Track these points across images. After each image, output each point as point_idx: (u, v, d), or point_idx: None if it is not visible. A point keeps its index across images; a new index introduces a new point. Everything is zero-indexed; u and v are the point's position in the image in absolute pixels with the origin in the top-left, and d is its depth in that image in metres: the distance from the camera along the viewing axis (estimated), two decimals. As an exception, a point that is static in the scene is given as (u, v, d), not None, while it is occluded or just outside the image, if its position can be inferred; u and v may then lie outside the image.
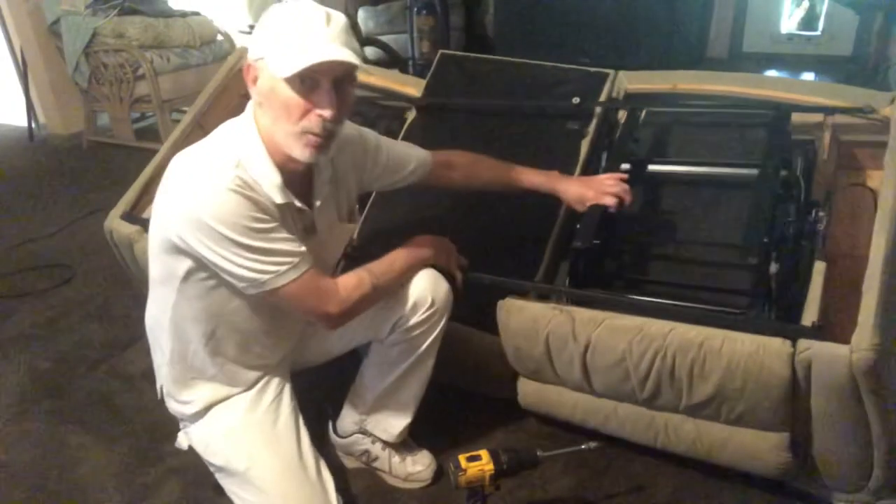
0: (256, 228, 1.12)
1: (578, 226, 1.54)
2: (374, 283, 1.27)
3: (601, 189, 1.47)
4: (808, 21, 4.94)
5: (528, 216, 1.73)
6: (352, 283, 1.26)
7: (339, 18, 1.11)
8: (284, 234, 1.16)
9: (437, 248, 1.43)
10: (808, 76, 4.68)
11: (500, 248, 1.70)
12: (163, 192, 1.17)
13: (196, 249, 1.14)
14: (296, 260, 1.17)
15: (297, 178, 1.24)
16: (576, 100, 1.78)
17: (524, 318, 1.47)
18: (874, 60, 3.85)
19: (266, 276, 1.15)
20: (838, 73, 4.51)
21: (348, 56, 1.09)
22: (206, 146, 1.19)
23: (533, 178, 1.56)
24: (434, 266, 1.42)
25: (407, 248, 1.38)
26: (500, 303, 1.51)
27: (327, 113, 1.12)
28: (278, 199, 1.17)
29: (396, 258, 1.35)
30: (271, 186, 1.17)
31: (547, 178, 1.56)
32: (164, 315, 1.30)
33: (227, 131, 1.21)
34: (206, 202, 1.10)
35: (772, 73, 4.75)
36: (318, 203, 1.29)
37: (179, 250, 1.17)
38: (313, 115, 1.12)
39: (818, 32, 4.89)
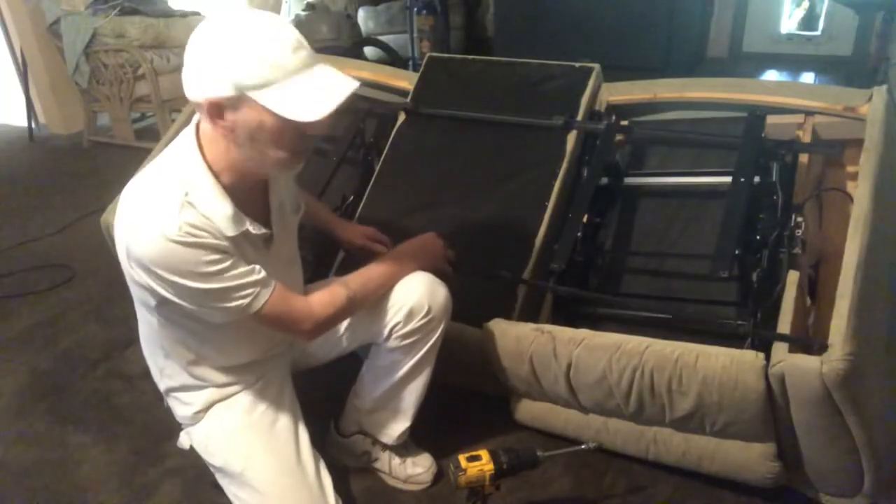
0: (209, 272, 1.10)
1: (555, 247, 1.57)
2: (349, 296, 1.28)
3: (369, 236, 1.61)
4: (808, 21, 4.95)
5: (520, 207, 1.76)
6: (325, 298, 1.26)
7: (298, 34, 1.07)
8: (241, 269, 1.13)
9: (421, 254, 1.42)
10: (808, 76, 4.68)
11: (492, 243, 1.73)
12: (117, 226, 1.13)
13: (157, 291, 1.14)
14: (256, 290, 1.15)
15: (251, 189, 1.21)
16: (558, 119, 1.80)
17: (508, 340, 1.48)
18: (874, 60, 3.84)
19: (232, 311, 1.15)
20: (838, 73, 4.51)
21: (355, 84, 1.08)
22: (153, 181, 1.13)
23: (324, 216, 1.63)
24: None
25: (388, 261, 1.37)
26: (485, 325, 1.52)
27: (323, 132, 1.12)
28: (230, 231, 1.13)
29: (375, 272, 1.34)
30: (223, 220, 1.12)
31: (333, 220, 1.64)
32: (152, 334, 1.31)
33: (172, 163, 1.15)
34: (154, 254, 1.07)
35: (771, 73, 4.75)
36: (275, 205, 1.27)
37: (144, 286, 1.16)
38: (306, 137, 1.11)
39: (818, 32, 4.89)
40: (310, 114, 1.03)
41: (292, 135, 1.08)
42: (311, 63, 1.06)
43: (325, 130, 1.12)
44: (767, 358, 1.23)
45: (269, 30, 1.03)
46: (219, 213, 1.12)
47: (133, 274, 1.14)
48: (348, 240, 1.60)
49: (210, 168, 1.13)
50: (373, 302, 1.35)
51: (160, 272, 1.09)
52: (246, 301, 1.15)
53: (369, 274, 1.33)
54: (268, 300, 1.17)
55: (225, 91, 1.03)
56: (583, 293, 1.60)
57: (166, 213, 1.07)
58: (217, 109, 1.05)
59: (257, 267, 1.17)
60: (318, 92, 1.05)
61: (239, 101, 1.04)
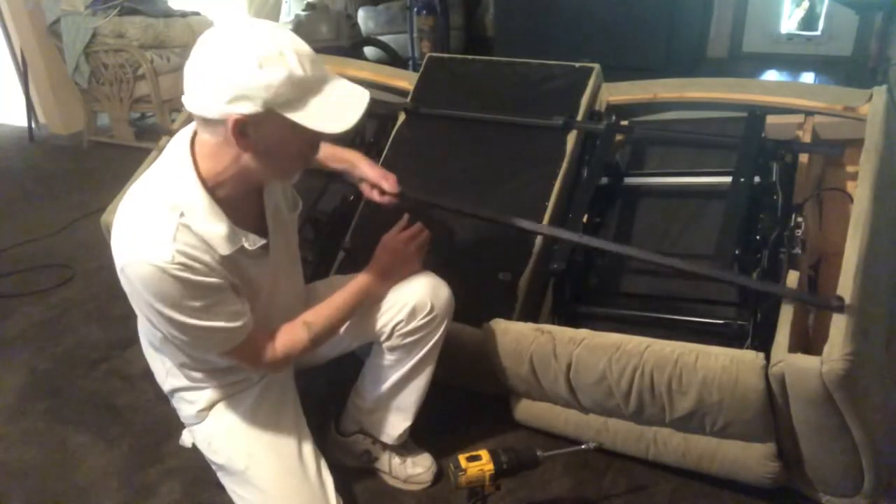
0: (196, 307, 1.10)
1: (555, 247, 1.57)
2: (312, 337, 1.27)
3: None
4: (808, 21, 4.94)
5: (520, 207, 1.74)
6: (285, 342, 1.26)
7: (303, 44, 1.06)
8: (224, 308, 1.14)
9: (394, 267, 1.38)
10: (808, 76, 4.68)
11: (492, 243, 1.72)
12: (113, 244, 1.13)
13: (142, 311, 1.15)
14: (228, 335, 1.17)
15: (245, 198, 1.20)
16: (558, 119, 1.80)
17: (508, 340, 1.48)
18: (874, 60, 3.85)
19: (199, 347, 1.20)
20: (838, 73, 4.51)
21: (367, 92, 1.10)
22: (147, 201, 1.12)
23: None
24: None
25: (358, 287, 1.34)
26: (485, 325, 1.52)
27: (330, 138, 1.12)
28: (225, 250, 1.13)
29: (342, 304, 1.32)
30: (218, 239, 1.12)
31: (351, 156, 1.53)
32: (155, 339, 1.31)
33: (166, 180, 1.13)
34: (146, 280, 1.07)
35: (771, 73, 4.75)
36: (270, 210, 1.26)
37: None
38: (316, 146, 1.15)
39: (818, 32, 4.89)
40: (339, 125, 1.05)
41: (308, 146, 1.12)
42: (327, 75, 1.07)
43: (334, 138, 1.14)
44: (767, 358, 1.23)
45: (287, 44, 1.02)
46: (214, 232, 1.12)
47: (127, 290, 1.15)
48: (365, 177, 1.50)
49: (204, 184, 1.11)
50: (338, 329, 1.35)
51: (149, 298, 1.09)
52: (216, 343, 1.18)
53: (335, 307, 1.31)
54: (235, 346, 1.19)
55: (251, 109, 1.01)
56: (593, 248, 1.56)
57: (161, 239, 1.07)
58: (242, 127, 1.04)
59: (243, 312, 1.18)
60: (341, 102, 1.06)
61: (264, 117, 1.03)
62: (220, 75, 1.01)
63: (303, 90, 1.03)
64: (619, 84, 1.94)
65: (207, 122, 1.07)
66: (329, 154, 1.49)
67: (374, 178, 1.45)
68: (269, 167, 1.12)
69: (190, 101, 1.06)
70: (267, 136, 1.06)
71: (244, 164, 1.10)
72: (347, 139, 2.02)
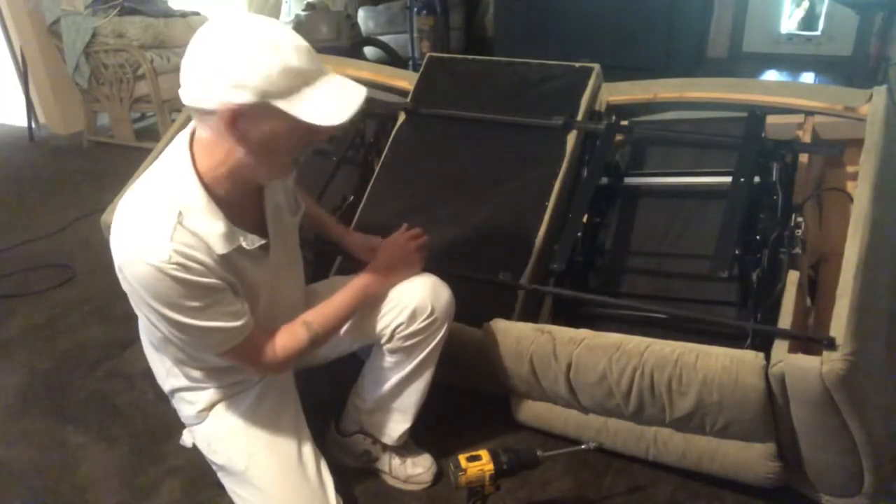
0: (194, 307, 1.10)
1: (555, 247, 1.57)
2: (311, 337, 1.26)
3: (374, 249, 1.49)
4: (808, 21, 4.95)
5: (520, 207, 1.76)
6: (285, 342, 1.25)
7: (301, 39, 1.06)
8: (223, 308, 1.14)
9: (393, 269, 1.39)
10: (808, 76, 4.69)
11: (492, 243, 1.73)
12: (112, 243, 1.12)
13: (140, 310, 1.15)
14: (226, 335, 1.16)
15: (244, 197, 1.19)
16: (558, 119, 1.80)
17: (508, 340, 1.48)
18: (874, 60, 3.85)
19: (199, 347, 1.19)
20: (838, 73, 4.51)
21: (364, 88, 1.08)
22: (146, 199, 1.12)
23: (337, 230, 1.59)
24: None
25: (357, 288, 1.34)
26: (485, 325, 1.52)
27: (324, 138, 1.12)
28: (222, 249, 1.12)
29: (342, 304, 1.31)
30: (215, 237, 1.11)
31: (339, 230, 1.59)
32: (155, 339, 1.31)
33: (165, 178, 1.13)
34: (144, 280, 1.07)
35: (771, 73, 4.75)
36: (270, 211, 1.26)
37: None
38: (309, 145, 1.12)
39: (818, 32, 4.89)
40: (333, 118, 1.03)
41: (301, 142, 1.09)
42: (323, 69, 1.06)
43: (325, 137, 1.12)
44: (767, 358, 1.23)
45: (284, 37, 1.02)
46: (211, 231, 1.11)
47: (126, 289, 1.15)
48: (353, 252, 1.58)
49: (202, 181, 1.11)
50: (339, 331, 1.35)
51: (147, 298, 1.09)
52: (214, 342, 1.17)
53: (335, 307, 1.31)
54: (234, 346, 1.18)
55: (245, 99, 1.00)
56: (583, 296, 1.60)
57: (158, 239, 1.06)
58: (234, 117, 1.03)
59: (242, 312, 1.17)
60: (337, 97, 1.05)
61: (258, 108, 1.02)
62: (216, 66, 1.01)
63: (298, 82, 1.02)
64: (619, 84, 1.94)
65: (203, 116, 1.06)
66: (317, 218, 1.54)
67: (364, 257, 1.48)
68: (259, 163, 1.09)
69: (186, 94, 1.05)
70: (259, 128, 1.05)
71: (236, 160, 1.09)
72: (347, 140, 2.03)
